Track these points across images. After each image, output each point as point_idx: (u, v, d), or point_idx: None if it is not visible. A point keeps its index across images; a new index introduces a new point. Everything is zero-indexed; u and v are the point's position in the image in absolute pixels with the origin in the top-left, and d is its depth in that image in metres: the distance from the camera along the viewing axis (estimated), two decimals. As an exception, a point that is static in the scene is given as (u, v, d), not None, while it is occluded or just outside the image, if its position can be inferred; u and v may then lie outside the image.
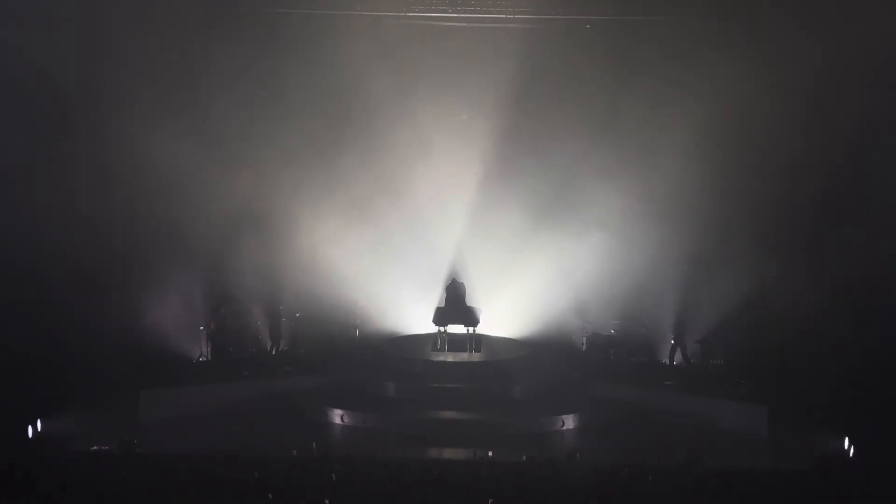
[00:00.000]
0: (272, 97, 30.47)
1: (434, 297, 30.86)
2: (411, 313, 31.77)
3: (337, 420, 26.08)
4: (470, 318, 29.72)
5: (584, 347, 30.70)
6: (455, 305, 29.76)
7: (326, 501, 17.79)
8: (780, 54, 28.92)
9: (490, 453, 21.99)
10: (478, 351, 29.48)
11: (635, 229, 30.68)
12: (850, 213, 28.66)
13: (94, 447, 22.82)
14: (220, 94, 29.84)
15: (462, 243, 31.65)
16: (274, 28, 30.89)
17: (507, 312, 31.57)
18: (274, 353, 30.35)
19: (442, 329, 29.70)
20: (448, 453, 24.20)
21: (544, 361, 29.58)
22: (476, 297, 30.33)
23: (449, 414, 26.26)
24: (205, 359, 29.51)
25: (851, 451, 23.31)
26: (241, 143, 30.18)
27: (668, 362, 29.73)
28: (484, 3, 31.44)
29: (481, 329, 30.03)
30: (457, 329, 29.79)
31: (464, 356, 29.18)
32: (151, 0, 29.28)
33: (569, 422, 25.95)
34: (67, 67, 28.53)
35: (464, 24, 31.70)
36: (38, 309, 27.52)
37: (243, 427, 25.00)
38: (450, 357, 29.16)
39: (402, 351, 29.76)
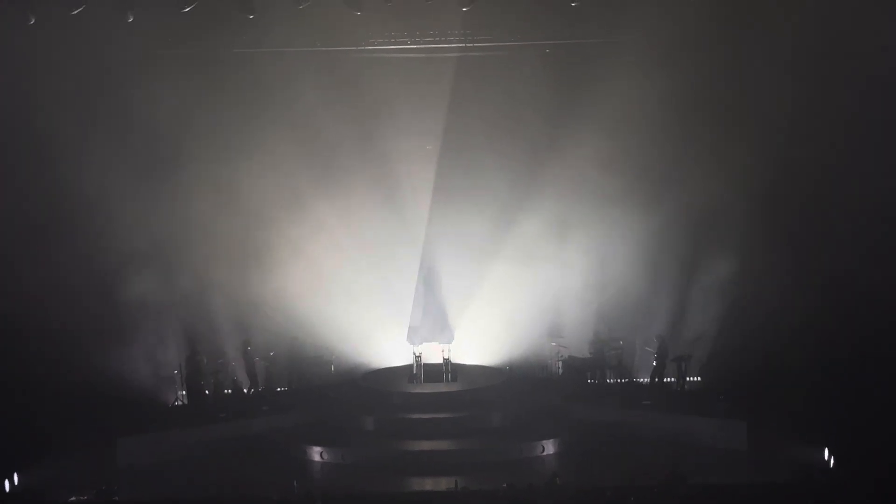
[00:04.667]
0: (241, 140, 30.41)
1: (405, 325, 30.88)
2: (385, 346, 31.66)
3: (317, 457, 25.94)
4: (445, 334, 29.80)
5: (560, 371, 30.61)
6: (432, 301, 30.11)
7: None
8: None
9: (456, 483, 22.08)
10: (454, 380, 29.46)
11: (604, 250, 30.75)
12: (827, 221, 28.73)
13: (73, 498, 22.65)
14: (186, 137, 29.82)
15: (430, 271, 31.64)
16: (237, 69, 30.82)
17: (481, 339, 31.58)
18: (250, 393, 30.17)
19: (417, 352, 29.72)
20: (429, 484, 24.12)
21: (521, 388, 29.55)
22: (449, 318, 30.47)
23: (428, 445, 26.16)
24: (181, 403, 29.36)
25: (832, 461, 23.34)
26: (203, 184, 30.01)
27: (650, 381, 29.67)
28: (443, 32, 31.36)
29: (456, 356, 30.08)
30: (432, 359, 29.80)
31: (440, 386, 29.14)
32: (98, 40, 29.00)
33: (549, 447, 25.90)
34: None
35: (422, 56, 31.65)
36: (8, 359, 27.28)
37: (223, 470, 24.90)
38: (426, 388, 29.12)
39: (378, 384, 29.69)
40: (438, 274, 31.55)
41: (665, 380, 29.55)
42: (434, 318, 30.60)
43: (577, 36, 31.01)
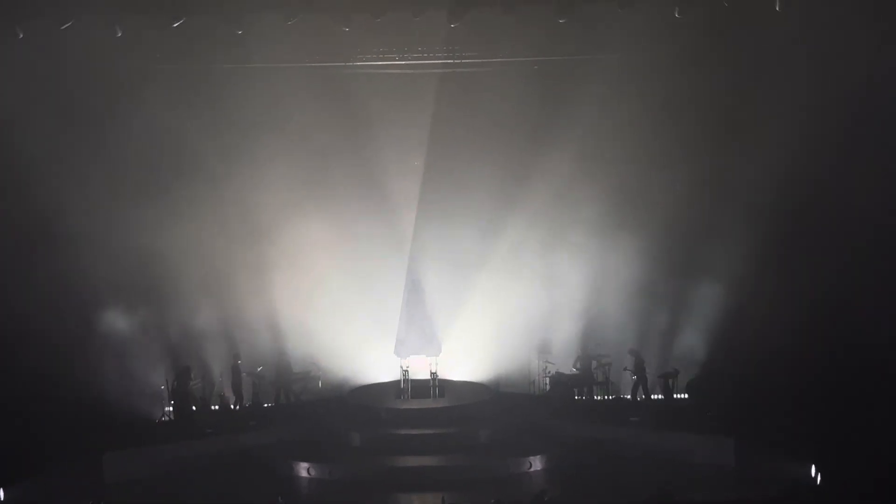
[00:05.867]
0: (227, 156, 30.40)
1: (392, 340, 30.93)
2: (373, 361, 31.66)
3: (304, 473, 25.88)
4: (432, 346, 29.83)
5: (548, 388, 30.58)
6: (418, 314, 30.27)
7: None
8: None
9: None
10: (441, 396, 29.46)
11: (589, 265, 30.76)
12: (814, 237, 28.77)
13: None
14: (172, 153, 29.90)
15: (416, 283, 31.67)
16: (225, 84, 30.82)
17: (468, 355, 31.61)
18: (237, 408, 30.10)
19: (405, 366, 29.76)
20: (416, 500, 24.12)
21: (508, 404, 29.55)
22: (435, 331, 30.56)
23: (415, 460, 26.13)
24: (168, 418, 29.27)
25: (818, 478, 23.37)
26: (190, 200, 29.98)
27: (631, 398, 29.68)
28: (430, 48, 31.38)
29: (444, 372, 30.14)
30: (420, 373, 29.82)
31: (428, 402, 29.13)
32: (87, 55, 28.98)
33: (536, 463, 25.88)
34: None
35: (410, 71, 31.69)
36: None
37: (209, 485, 24.85)
38: (414, 404, 29.10)
39: (365, 400, 29.66)
40: (424, 286, 31.56)
41: (652, 396, 29.59)
42: (421, 331, 30.62)
43: (564, 52, 31.00)
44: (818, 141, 27.74)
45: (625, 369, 29.86)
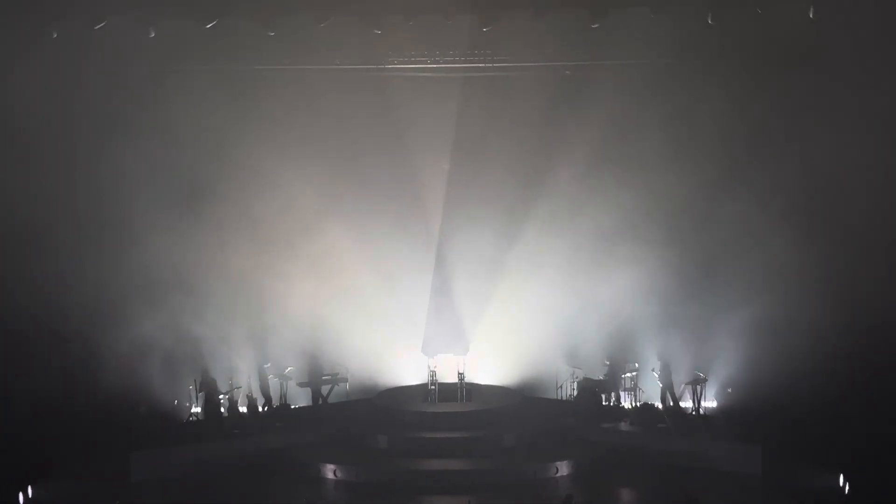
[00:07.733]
0: (257, 158, 30.37)
1: (420, 341, 30.97)
2: (400, 363, 31.68)
3: (330, 475, 25.90)
4: (460, 345, 29.81)
5: (575, 393, 30.46)
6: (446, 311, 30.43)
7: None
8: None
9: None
10: (469, 400, 29.41)
11: (617, 270, 30.62)
12: (848, 243, 28.63)
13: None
14: (203, 155, 29.90)
15: (444, 281, 31.69)
16: (257, 86, 30.86)
17: (494, 359, 31.58)
18: (265, 410, 30.11)
19: (432, 366, 29.76)
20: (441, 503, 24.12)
21: (536, 408, 29.49)
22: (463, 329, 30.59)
23: (442, 464, 26.11)
24: (195, 419, 29.34)
25: (846, 488, 23.24)
26: (218, 203, 30.05)
27: (659, 405, 29.51)
28: (462, 52, 31.36)
29: (470, 376, 30.07)
30: (448, 375, 29.77)
31: (455, 406, 29.10)
32: (120, 55, 29.12)
33: (563, 468, 25.82)
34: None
35: (441, 75, 31.67)
36: (24, 372, 27.34)
37: (235, 486, 24.89)
38: (441, 407, 29.07)
39: (392, 403, 29.65)
40: (451, 288, 31.53)
41: (680, 403, 29.46)
42: (448, 329, 30.57)
43: (596, 57, 30.92)
44: (850, 147, 27.67)
45: (651, 370, 29.70)
